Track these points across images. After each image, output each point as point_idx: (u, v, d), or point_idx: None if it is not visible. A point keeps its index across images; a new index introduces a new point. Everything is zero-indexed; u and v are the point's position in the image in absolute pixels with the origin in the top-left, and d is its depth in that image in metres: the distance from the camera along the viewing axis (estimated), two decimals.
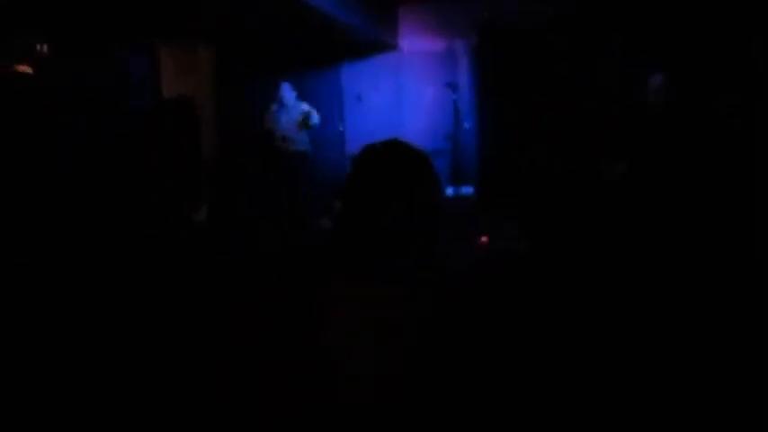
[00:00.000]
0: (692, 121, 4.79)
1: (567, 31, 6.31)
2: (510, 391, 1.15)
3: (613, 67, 5.91)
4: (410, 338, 1.11)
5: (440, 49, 7.30)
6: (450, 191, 6.64)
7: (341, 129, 7.26)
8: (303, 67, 6.93)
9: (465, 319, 1.15)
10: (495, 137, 6.79)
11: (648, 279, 3.67)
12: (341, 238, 1.20)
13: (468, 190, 6.71)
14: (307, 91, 6.80)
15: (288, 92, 6.58)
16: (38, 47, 4.61)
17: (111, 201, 4.63)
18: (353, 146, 7.08)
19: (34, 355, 2.94)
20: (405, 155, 1.24)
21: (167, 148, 5.63)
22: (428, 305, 1.14)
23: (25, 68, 4.42)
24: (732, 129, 4.87)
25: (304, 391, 1.13)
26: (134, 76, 5.85)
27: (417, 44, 7.35)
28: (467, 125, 6.94)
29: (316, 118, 6.51)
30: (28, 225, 3.97)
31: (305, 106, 6.58)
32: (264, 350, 1.19)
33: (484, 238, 5.23)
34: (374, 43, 7.08)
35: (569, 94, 6.21)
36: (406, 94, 7.38)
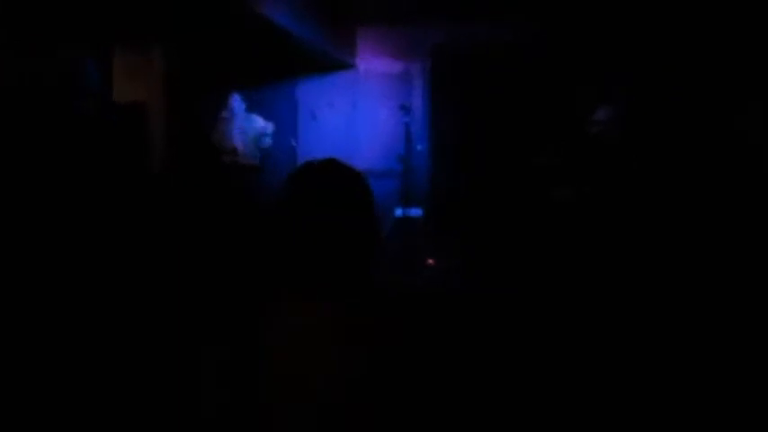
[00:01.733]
0: (642, 151, 4.95)
1: (519, 56, 6.48)
2: (451, 408, 1.16)
3: (565, 93, 6.09)
4: (357, 365, 1.10)
5: (396, 71, 7.37)
6: (399, 212, 6.68)
7: (293, 143, 7.23)
8: (258, 79, 6.87)
9: (405, 333, 1.16)
10: (444, 159, 6.89)
11: (588, 295, 3.76)
12: (278, 253, 1.20)
13: (417, 212, 6.76)
14: (261, 104, 6.75)
15: (238, 102, 6.48)
16: None
17: (46, 208, 4.48)
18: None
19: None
20: (340, 173, 1.24)
21: (112, 154, 5.48)
22: (365, 320, 1.15)
23: None
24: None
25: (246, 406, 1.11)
26: (81, 78, 5.68)
27: (374, 65, 7.41)
28: (419, 147, 7.02)
29: (268, 140, 6.46)
30: None
31: (259, 122, 6.50)
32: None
33: (430, 261, 5.26)
34: (331, 61, 7.10)
35: (520, 117, 6.36)
36: (360, 113, 7.42)
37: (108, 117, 5.89)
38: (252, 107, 6.57)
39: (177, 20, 5.69)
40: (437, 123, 6.98)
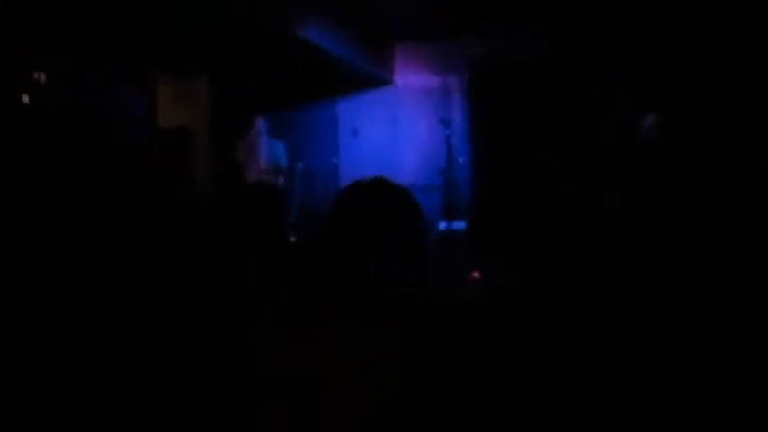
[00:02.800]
0: (683, 159, 4.86)
1: (557, 66, 6.43)
2: (503, 426, 1.15)
3: (607, 103, 6.00)
4: (397, 376, 1.11)
5: (434, 85, 7.40)
6: (443, 226, 6.66)
7: (335, 161, 7.31)
8: (298, 98, 7.00)
9: (455, 355, 1.15)
10: (488, 172, 6.86)
11: (645, 314, 3.68)
12: (327, 274, 1.21)
13: (460, 225, 6.74)
14: (300, 122, 6.86)
15: (263, 124, 6.61)
16: (35, 75, 4.65)
17: (106, 236, 4.62)
18: (348, 179, 7.09)
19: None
20: (389, 193, 1.24)
21: (164, 180, 5.64)
22: (416, 342, 1.14)
23: (23, 96, 4.45)
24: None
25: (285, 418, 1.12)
26: (133, 107, 5.88)
27: (413, 80, 7.45)
28: (461, 160, 7.01)
29: (284, 160, 6.58)
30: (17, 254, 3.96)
31: (277, 144, 6.62)
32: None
33: (476, 274, 5.23)
34: (370, 78, 7.18)
35: (561, 128, 6.30)
36: (401, 129, 7.46)
37: (155, 142, 6.06)
38: (292, 127, 6.67)
39: (221, 47, 5.85)
40: (478, 137, 6.97)
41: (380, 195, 1.23)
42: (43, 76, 4.64)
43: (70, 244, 4.31)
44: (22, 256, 3.98)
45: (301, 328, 1.18)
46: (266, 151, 6.61)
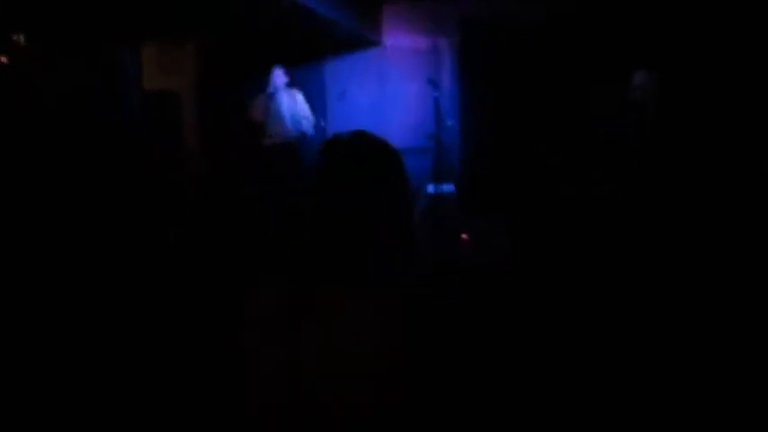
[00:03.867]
0: (682, 120, 4.84)
1: (551, 29, 6.35)
2: (498, 394, 1.15)
3: (601, 66, 5.95)
4: (392, 338, 1.09)
5: (424, 47, 7.31)
6: (431, 188, 6.66)
7: (322, 124, 7.25)
8: (286, 63, 6.87)
9: (450, 319, 1.13)
10: (477, 134, 6.83)
11: (639, 283, 3.70)
12: (314, 237, 1.18)
13: (449, 188, 6.74)
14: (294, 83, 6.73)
15: (280, 78, 6.24)
16: (14, 37, 4.54)
17: (98, 200, 4.59)
18: None
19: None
20: (368, 143, 1.21)
21: (152, 146, 5.58)
22: (411, 304, 1.12)
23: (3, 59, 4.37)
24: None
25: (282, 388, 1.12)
26: (122, 75, 5.77)
27: (401, 41, 7.35)
28: (449, 123, 6.97)
29: (306, 122, 6.27)
30: (9, 227, 3.93)
31: (299, 99, 6.28)
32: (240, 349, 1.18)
33: (464, 235, 5.25)
34: (358, 40, 7.07)
35: (553, 91, 6.26)
36: (389, 91, 7.39)
37: (145, 110, 5.98)
38: (293, 83, 6.37)
39: (207, 11, 5.73)
40: (468, 99, 6.92)
41: (360, 146, 1.19)
42: (22, 38, 4.55)
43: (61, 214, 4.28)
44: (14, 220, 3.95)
45: (289, 314, 1.15)
46: (288, 107, 6.24)
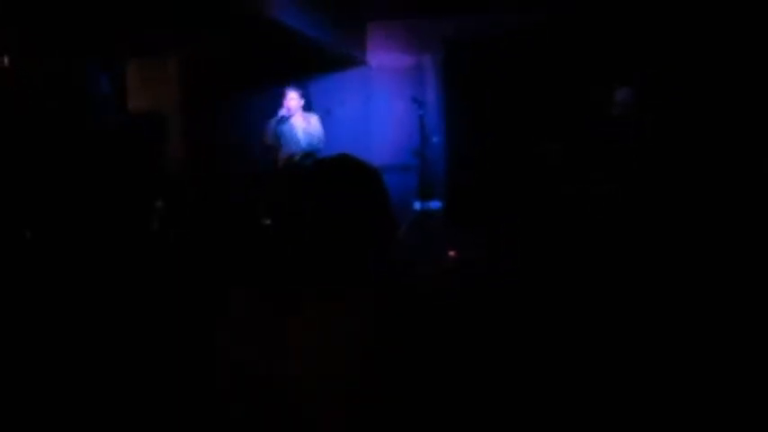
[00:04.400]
0: (662, 133, 4.90)
1: (531, 45, 6.44)
2: (476, 396, 1.16)
3: (581, 80, 6.03)
4: (364, 338, 1.11)
5: (408, 65, 7.38)
6: (417, 205, 6.69)
7: None
8: (271, 81, 6.90)
9: (429, 325, 1.16)
10: (463, 149, 6.88)
11: (639, 284, 3.73)
12: (292, 251, 1.21)
13: (435, 204, 6.77)
14: (275, 106, 6.77)
15: (295, 100, 6.12)
16: None
17: (67, 215, 4.57)
18: None
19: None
20: (352, 168, 1.25)
21: (128, 164, 5.56)
22: (383, 304, 1.15)
23: None
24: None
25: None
26: (97, 91, 5.76)
27: (386, 60, 7.42)
28: (435, 139, 7.02)
29: (316, 141, 6.12)
30: None
31: (313, 121, 6.16)
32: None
33: (452, 252, 5.27)
34: (343, 58, 7.13)
35: (535, 105, 6.33)
36: (374, 109, 7.44)
37: (124, 127, 5.97)
38: (267, 110, 6.34)
39: (191, 30, 5.75)
40: (452, 116, 6.98)
41: (344, 172, 1.23)
42: (6, 59, 4.54)
43: (40, 230, 4.25)
44: None
45: (270, 321, 1.17)
46: (303, 131, 6.13)
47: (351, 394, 1.08)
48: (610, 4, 6.02)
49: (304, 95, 6.25)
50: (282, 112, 6.09)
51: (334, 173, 1.24)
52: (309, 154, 6.12)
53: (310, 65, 7.23)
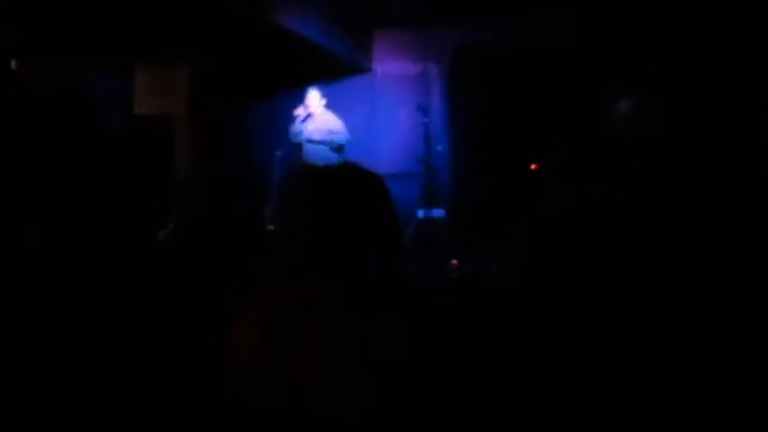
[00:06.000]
0: (673, 149, 4.87)
1: (541, 57, 6.44)
2: (489, 409, 1.15)
3: (589, 92, 6.02)
4: (390, 350, 1.10)
5: (413, 72, 7.38)
6: (421, 213, 6.67)
7: None
8: (277, 87, 6.92)
9: (449, 333, 1.15)
10: (468, 159, 6.87)
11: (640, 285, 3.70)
12: (298, 254, 1.19)
13: (439, 212, 6.75)
14: (278, 110, 6.78)
15: (316, 99, 6.19)
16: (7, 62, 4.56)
17: (75, 222, 4.57)
18: None
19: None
20: (356, 176, 1.24)
21: (135, 169, 5.56)
22: (394, 323, 1.14)
23: None
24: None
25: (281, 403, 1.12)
26: (103, 96, 5.78)
27: (391, 67, 7.42)
28: (439, 148, 7.01)
29: (340, 137, 6.15)
30: None
31: (333, 122, 6.17)
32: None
33: (454, 261, 5.26)
34: (348, 65, 7.14)
35: (542, 116, 6.32)
36: (379, 116, 7.44)
37: (131, 132, 5.98)
38: (273, 116, 6.36)
39: (197, 35, 5.77)
40: (458, 125, 6.98)
41: (346, 180, 1.22)
42: (14, 63, 4.55)
43: (44, 239, 4.25)
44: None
45: (282, 331, 1.16)
46: (325, 131, 6.14)
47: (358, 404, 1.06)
48: (614, 16, 6.01)
49: (325, 95, 6.30)
50: (299, 111, 6.14)
51: (337, 181, 1.23)
52: (339, 147, 6.14)
53: (316, 71, 7.25)
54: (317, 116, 6.20)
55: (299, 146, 6.26)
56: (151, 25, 5.18)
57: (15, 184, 4.24)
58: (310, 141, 6.16)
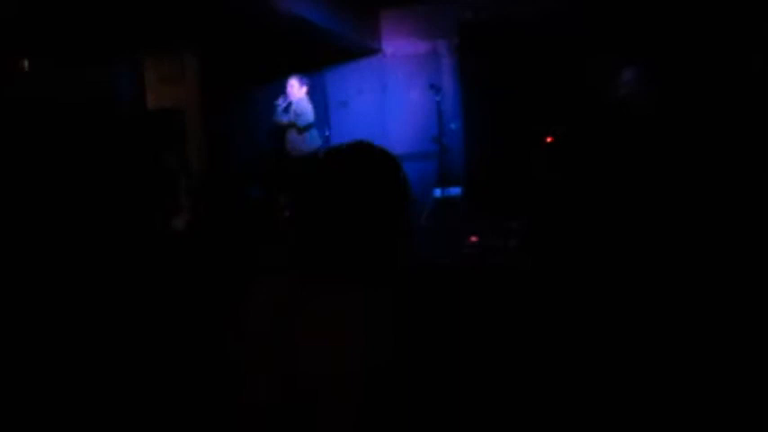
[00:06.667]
0: (675, 117, 4.82)
1: (549, 29, 6.35)
2: (488, 388, 1.15)
3: (599, 64, 5.94)
4: (381, 335, 1.10)
5: (423, 52, 7.32)
6: (437, 192, 6.66)
7: (327, 134, 7.28)
8: (285, 72, 6.90)
9: (442, 317, 1.15)
10: (482, 136, 6.83)
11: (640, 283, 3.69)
12: (307, 237, 1.19)
13: (455, 191, 6.74)
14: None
15: (296, 87, 6.34)
16: (19, 62, 4.59)
17: (90, 212, 4.62)
18: None
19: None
20: (369, 155, 1.23)
21: (150, 159, 5.61)
22: (400, 300, 1.13)
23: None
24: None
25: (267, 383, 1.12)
26: (116, 88, 5.82)
27: (401, 47, 7.37)
28: (453, 126, 6.97)
29: (302, 119, 6.31)
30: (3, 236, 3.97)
31: (309, 111, 6.35)
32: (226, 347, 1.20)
33: (473, 238, 5.25)
34: (357, 48, 7.10)
35: (554, 91, 6.25)
36: (390, 97, 7.41)
37: (143, 123, 6.03)
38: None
39: (205, 25, 5.77)
40: (470, 102, 6.92)
41: (360, 158, 1.21)
42: (26, 63, 4.58)
43: (59, 232, 4.30)
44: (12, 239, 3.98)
45: (279, 315, 1.16)
46: (295, 118, 6.32)
47: (363, 387, 1.07)
48: None
49: (307, 83, 6.45)
50: (283, 99, 6.34)
51: (350, 159, 1.22)
52: (305, 127, 6.35)
53: (325, 56, 7.22)
54: (296, 104, 6.36)
55: (281, 133, 6.43)
56: (159, 14, 5.18)
57: (30, 179, 4.30)
58: (279, 123, 6.36)
